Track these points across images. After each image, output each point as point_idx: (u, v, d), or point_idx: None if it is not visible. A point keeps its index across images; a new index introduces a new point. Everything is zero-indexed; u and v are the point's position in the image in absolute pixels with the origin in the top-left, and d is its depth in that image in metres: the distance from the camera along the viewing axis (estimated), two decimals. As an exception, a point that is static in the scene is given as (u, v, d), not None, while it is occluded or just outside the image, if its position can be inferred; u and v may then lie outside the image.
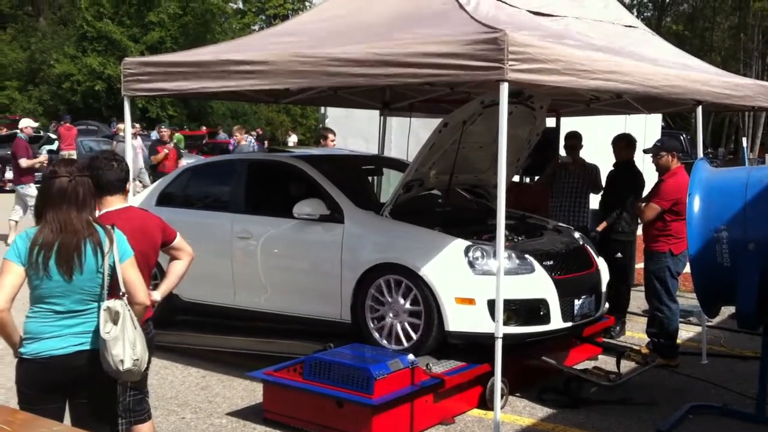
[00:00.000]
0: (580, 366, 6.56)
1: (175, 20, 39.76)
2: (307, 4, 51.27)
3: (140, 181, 14.34)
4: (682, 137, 21.58)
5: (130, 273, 3.54)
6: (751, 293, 4.99)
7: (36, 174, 13.36)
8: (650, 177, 7.45)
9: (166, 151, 13.59)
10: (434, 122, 6.09)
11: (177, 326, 7.09)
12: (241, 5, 52.93)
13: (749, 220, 5.05)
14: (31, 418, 2.96)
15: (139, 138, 16.27)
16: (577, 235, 6.80)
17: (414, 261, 5.73)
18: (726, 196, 5.22)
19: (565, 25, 6.15)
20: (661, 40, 7.58)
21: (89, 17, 38.30)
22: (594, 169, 8.31)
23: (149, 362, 4.17)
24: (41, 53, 40.41)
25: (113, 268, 3.47)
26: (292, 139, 32.34)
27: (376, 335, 5.96)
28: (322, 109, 13.87)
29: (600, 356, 6.99)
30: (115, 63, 34.51)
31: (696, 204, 5.21)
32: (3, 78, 41.08)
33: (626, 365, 6.46)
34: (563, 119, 9.23)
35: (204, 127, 35.42)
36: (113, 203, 4.04)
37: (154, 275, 4.60)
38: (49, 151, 22.53)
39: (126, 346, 3.40)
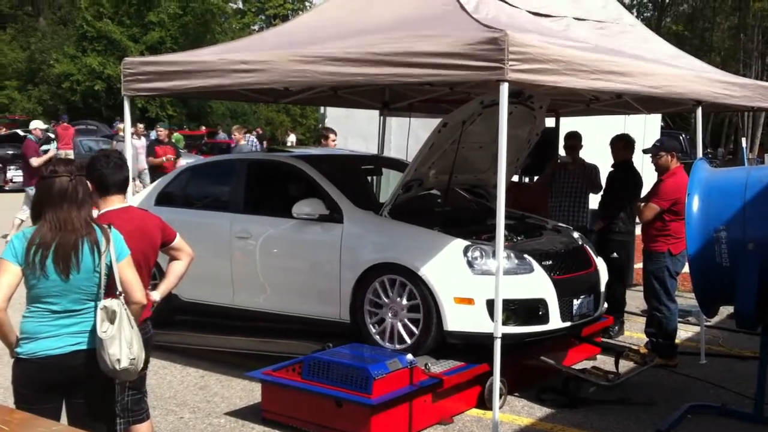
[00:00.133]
0: (578, 366, 6.57)
1: (175, 20, 39.74)
2: (307, 4, 51.28)
3: (141, 182, 14.30)
4: (681, 137, 21.56)
5: (126, 272, 3.54)
6: (750, 293, 4.99)
7: None
8: (650, 177, 7.46)
9: (164, 159, 13.30)
10: (434, 122, 6.09)
11: (176, 326, 7.09)
12: (240, 5, 52.92)
13: (748, 220, 5.05)
14: (28, 417, 2.96)
15: (143, 138, 16.15)
16: (576, 235, 6.80)
17: (413, 261, 5.73)
18: (725, 196, 5.22)
19: (565, 26, 6.16)
20: (660, 41, 7.58)
21: (89, 17, 38.28)
22: (593, 169, 8.32)
23: (147, 362, 4.17)
24: (41, 53, 40.38)
25: (110, 268, 3.47)
26: (291, 138, 32.34)
27: (375, 335, 5.96)
28: (322, 109, 13.88)
29: (599, 356, 6.99)
30: (114, 63, 34.49)
31: (695, 204, 5.21)
32: (3, 78, 41.05)
33: (625, 365, 6.47)
34: (563, 119, 9.23)
35: (203, 127, 35.41)
36: (113, 203, 4.04)
37: (153, 275, 4.60)
38: (45, 151, 22.56)
39: (123, 345, 3.40)
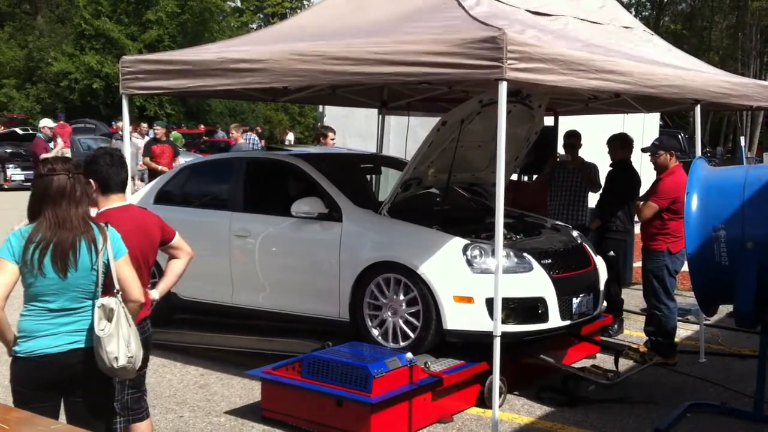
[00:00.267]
0: (578, 364, 6.57)
1: (173, 18, 39.73)
2: (305, 2, 51.27)
3: (141, 180, 14.25)
4: (680, 136, 21.58)
5: (124, 270, 3.53)
6: (749, 292, 4.99)
7: None
8: (648, 176, 7.46)
9: (159, 168, 13.03)
10: (432, 121, 6.09)
11: (175, 325, 7.08)
12: (239, 4, 52.92)
13: (747, 218, 5.05)
14: (28, 416, 2.95)
15: (146, 137, 16.06)
16: (575, 233, 6.81)
17: (412, 259, 5.73)
18: (724, 195, 5.22)
19: (564, 25, 6.16)
20: (659, 40, 7.58)
21: (87, 15, 38.27)
22: (593, 168, 8.32)
23: (147, 360, 4.18)
24: (39, 51, 40.35)
25: (107, 266, 3.46)
26: (289, 137, 32.31)
27: (375, 334, 5.96)
28: (321, 107, 13.88)
29: (598, 355, 7.01)
30: (113, 61, 34.46)
31: (694, 203, 5.22)
32: (1, 76, 41.02)
33: (624, 364, 6.47)
34: (562, 118, 9.23)
35: (202, 126, 35.40)
36: (114, 201, 4.04)
37: (152, 274, 4.59)
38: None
39: (120, 343, 3.39)
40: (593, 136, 8.90)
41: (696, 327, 7.85)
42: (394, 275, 5.84)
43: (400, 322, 5.83)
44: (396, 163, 7.85)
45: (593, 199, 8.32)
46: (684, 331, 8.03)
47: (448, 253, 5.71)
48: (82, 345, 3.44)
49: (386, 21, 5.80)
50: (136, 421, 4.20)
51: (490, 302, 5.22)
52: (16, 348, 3.41)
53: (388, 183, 8.20)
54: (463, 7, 5.46)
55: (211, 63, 5.98)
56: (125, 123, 6.87)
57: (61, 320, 3.41)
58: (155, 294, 4.11)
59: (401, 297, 5.81)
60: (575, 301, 6.00)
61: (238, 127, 15.16)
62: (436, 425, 5.46)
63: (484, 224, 6.32)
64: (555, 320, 5.82)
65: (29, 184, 12.40)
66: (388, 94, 8.73)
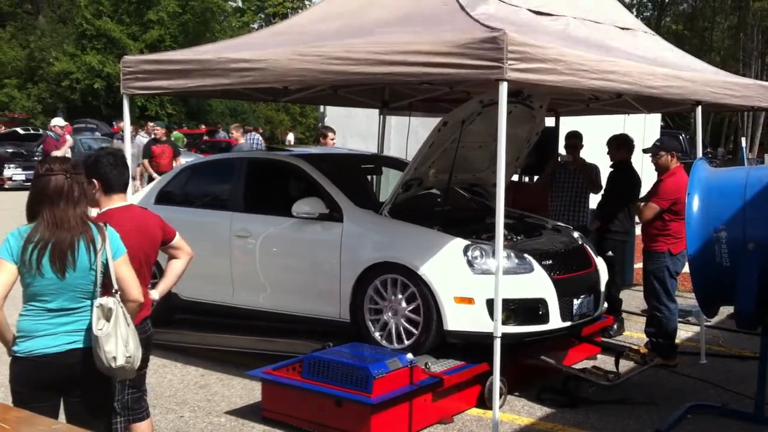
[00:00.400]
0: (578, 365, 6.57)
1: (174, 18, 39.74)
2: (306, 2, 51.29)
3: (151, 180, 14.20)
4: (681, 137, 21.56)
5: (123, 270, 3.52)
6: (750, 293, 4.99)
7: None
8: (650, 177, 7.45)
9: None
10: (433, 121, 6.08)
11: (176, 325, 7.08)
12: (240, 4, 52.93)
13: (748, 219, 5.04)
14: (28, 415, 2.95)
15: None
16: (576, 234, 6.80)
17: (413, 260, 5.73)
18: (725, 196, 5.22)
19: (565, 25, 6.15)
20: (660, 40, 7.58)
21: (88, 15, 38.28)
22: (594, 169, 8.31)
23: (147, 360, 4.18)
24: (40, 51, 40.37)
25: (106, 266, 3.46)
26: (289, 137, 32.32)
27: (375, 334, 5.96)
28: (322, 107, 13.87)
29: (599, 356, 7.00)
30: (114, 61, 34.48)
31: (695, 204, 5.21)
32: (2, 76, 41.03)
33: (625, 365, 6.46)
34: (563, 119, 9.23)
35: (203, 126, 35.40)
36: (116, 201, 4.04)
37: (153, 274, 4.59)
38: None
39: (119, 343, 3.38)
40: (594, 136, 8.89)
41: (697, 328, 7.85)
42: (394, 276, 5.84)
43: (401, 322, 5.83)
44: (397, 164, 7.84)
45: (594, 200, 8.32)
46: (685, 332, 8.02)
47: (449, 253, 5.71)
48: (80, 345, 3.43)
49: (387, 21, 5.80)
50: (136, 420, 4.20)
51: (490, 303, 5.21)
52: (15, 348, 3.40)
53: (388, 183, 8.19)
54: (464, 8, 5.46)
55: (212, 63, 5.98)
56: (126, 123, 6.87)
57: (59, 320, 3.41)
58: (155, 294, 4.11)
59: (402, 297, 5.80)
60: (576, 302, 5.99)
61: (238, 127, 14.99)
62: (437, 426, 5.46)
63: (485, 225, 6.32)
64: (556, 321, 5.81)
65: (30, 183, 12.51)
66: (389, 95, 8.73)
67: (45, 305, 3.39)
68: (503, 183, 4.90)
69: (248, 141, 16.58)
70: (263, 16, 55.20)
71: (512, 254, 5.76)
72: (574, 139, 8.33)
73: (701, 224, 5.16)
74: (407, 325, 5.80)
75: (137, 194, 7.70)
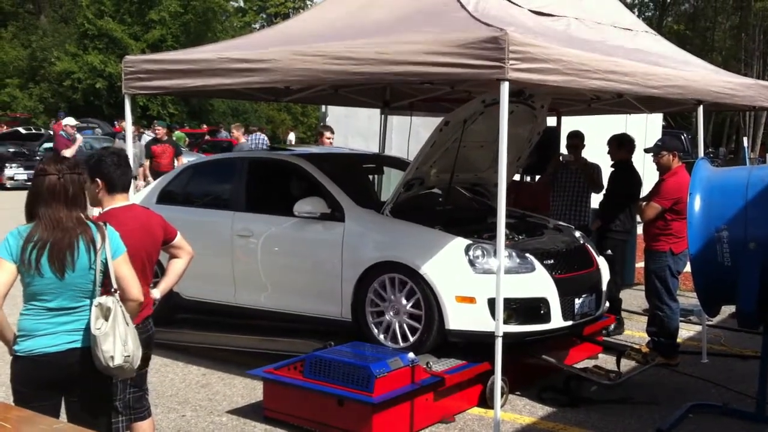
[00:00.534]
0: (580, 365, 6.56)
1: (176, 18, 39.76)
2: (308, 2, 51.29)
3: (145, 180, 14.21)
4: (683, 137, 21.57)
5: (123, 269, 3.52)
6: (751, 292, 4.99)
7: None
8: (651, 176, 7.45)
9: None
10: (435, 121, 6.09)
11: (177, 324, 7.09)
12: (242, 4, 52.96)
13: (750, 219, 5.04)
14: (29, 415, 2.95)
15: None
16: (577, 234, 6.80)
17: (414, 259, 5.73)
18: (727, 196, 5.22)
19: (567, 25, 6.16)
20: (662, 40, 7.58)
21: (90, 15, 38.30)
22: (595, 169, 8.31)
23: (148, 359, 4.19)
24: (42, 51, 40.39)
25: (106, 265, 3.46)
26: (290, 137, 32.32)
27: (377, 333, 5.96)
28: (323, 107, 13.87)
29: (600, 355, 7.00)
30: (116, 61, 34.52)
31: (697, 203, 5.21)
32: (4, 76, 41.06)
33: (626, 364, 6.47)
34: (565, 118, 9.23)
35: (205, 125, 35.40)
36: (118, 201, 4.05)
37: (155, 273, 4.60)
38: (47, 149, 22.62)
39: (117, 342, 3.38)
40: (596, 136, 8.90)
41: (698, 328, 7.84)
42: (396, 275, 5.84)
43: (403, 321, 5.84)
44: (398, 163, 7.85)
45: (596, 199, 8.32)
46: (686, 331, 8.02)
47: (451, 253, 5.71)
48: (79, 344, 3.43)
49: (388, 21, 5.81)
50: (138, 420, 4.21)
51: (492, 302, 5.21)
52: (16, 347, 3.41)
53: (390, 183, 8.20)
54: (465, 8, 5.46)
55: (213, 63, 5.99)
56: (128, 122, 6.87)
57: (59, 319, 3.41)
58: (156, 293, 4.12)
59: (403, 297, 5.81)
60: (577, 301, 5.99)
61: (239, 126, 14.93)
62: (438, 425, 5.46)
63: (487, 224, 6.32)
64: (557, 321, 5.81)
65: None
66: (390, 94, 8.74)
67: (45, 304, 3.39)
68: (505, 182, 4.90)
69: (253, 141, 16.55)
70: (265, 16, 55.24)
71: (514, 254, 5.76)
72: (576, 139, 8.33)
73: (703, 224, 5.16)
74: (409, 324, 5.80)
75: (139, 194, 7.71)
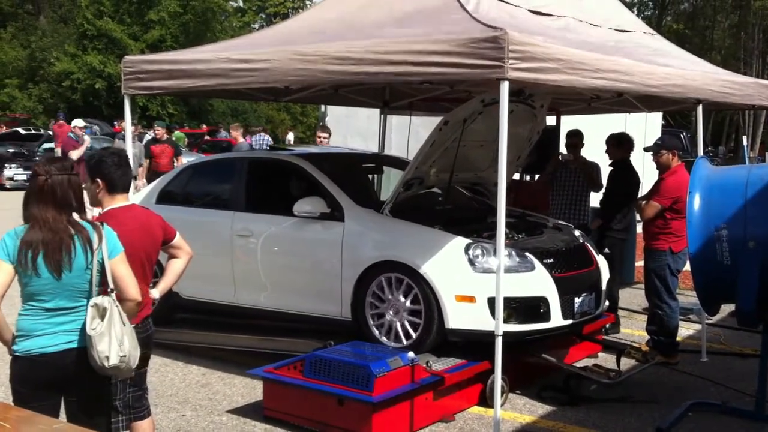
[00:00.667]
0: (580, 363, 6.57)
1: (175, 18, 39.72)
2: (307, 2, 51.29)
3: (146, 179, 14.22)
4: (682, 135, 21.55)
5: (120, 269, 3.51)
6: (751, 291, 4.99)
7: None
8: (651, 175, 7.45)
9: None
10: (434, 120, 6.09)
11: (177, 324, 7.09)
12: (241, 3, 52.91)
13: (749, 218, 5.05)
14: (29, 415, 2.95)
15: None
16: (577, 233, 6.81)
17: (414, 259, 5.74)
18: (726, 195, 5.22)
19: (566, 24, 6.16)
20: (661, 39, 7.58)
21: (89, 15, 38.25)
22: (594, 167, 8.32)
23: (148, 359, 4.19)
24: (41, 51, 40.34)
25: (102, 265, 3.45)
26: (289, 137, 32.32)
27: (377, 333, 5.96)
28: (323, 107, 13.87)
29: (600, 354, 7.01)
30: (115, 61, 34.47)
31: (696, 202, 5.22)
32: (3, 76, 41.00)
33: (626, 363, 6.47)
34: (565, 118, 9.23)
35: (204, 126, 35.39)
36: (118, 201, 4.05)
37: (154, 273, 4.61)
38: (47, 150, 22.63)
39: (112, 342, 3.37)
40: (596, 135, 8.90)
41: (698, 326, 7.85)
42: (396, 275, 5.85)
43: (402, 321, 5.84)
44: (398, 163, 7.85)
45: (595, 198, 8.33)
46: (686, 330, 8.03)
47: (450, 252, 5.71)
48: (75, 345, 3.42)
49: (388, 21, 5.81)
50: (137, 419, 4.21)
51: (492, 301, 5.22)
52: (15, 347, 3.41)
53: (390, 182, 8.20)
54: (465, 8, 5.46)
55: (213, 63, 5.99)
56: (127, 123, 6.88)
57: (57, 319, 3.41)
58: (156, 293, 4.13)
59: (403, 296, 5.81)
60: (577, 300, 6.00)
61: (237, 127, 14.83)
62: (438, 424, 5.46)
63: (486, 224, 6.32)
64: (557, 319, 5.82)
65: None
66: (390, 94, 8.74)
67: (43, 305, 3.39)
68: (505, 182, 4.90)
69: (257, 142, 16.51)
70: (264, 16, 55.20)
71: (513, 253, 5.77)
72: (575, 138, 8.34)
73: (702, 222, 5.16)
74: (408, 323, 5.81)
75: (138, 194, 7.71)
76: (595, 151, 8.66)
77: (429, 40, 5.04)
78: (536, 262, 5.81)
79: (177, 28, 39.74)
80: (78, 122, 14.47)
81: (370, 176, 8.30)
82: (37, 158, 22.82)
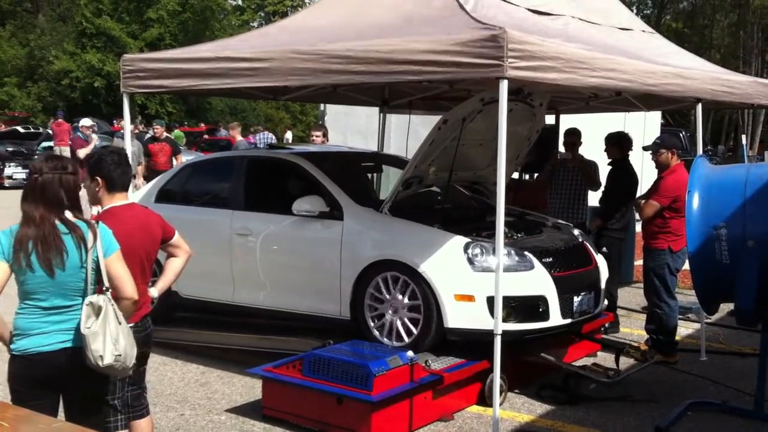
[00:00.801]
0: (578, 363, 6.58)
1: (174, 17, 39.73)
2: (305, 0, 51.25)
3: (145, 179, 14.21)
4: (681, 134, 21.55)
5: (116, 267, 3.50)
6: (750, 290, 4.99)
7: None
8: (650, 174, 7.45)
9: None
10: (433, 119, 6.09)
11: (176, 323, 7.09)
12: (240, 2, 52.91)
13: (748, 217, 5.05)
14: (27, 413, 2.94)
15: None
16: (576, 232, 6.81)
17: (413, 258, 5.74)
18: (725, 194, 5.22)
19: (564, 24, 6.16)
20: (660, 38, 7.58)
21: (88, 14, 38.25)
22: (592, 166, 8.32)
23: (147, 358, 4.19)
24: (40, 50, 40.33)
25: (97, 263, 3.44)
26: (288, 136, 32.32)
27: (376, 332, 5.96)
28: (322, 106, 13.86)
29: (599, 353, 7.01)
30: (114, 60, 34.46)
31: (695, 201, 5.21)
32: (2, 74, 40.98)
33: (625, 362, 6.48)
34: (564, 117, 9.23)
35: (203, 124, 35.39)
36: (118, 200, 4.05)
37: (153, 272, 4.60)
38: (46, 148, 22.61)
39: (107, 341, 3.36)
40: (595, 134, 8.90)
41: (697, 325, 7.85)
42: (395, 273, 5.84)
43: (402, 320, 5.84)
44: (397, 162, 7.85)
45: (593, 197, 8.33)
46: (685, 329, 8.03)
47: (449, 251, 5.71)
48: (70, 344, 3.41)
49: (387, 20, 5.80)
50: (136, 418, 4.21)
51: (491, 300, 5.22)
52: (12, 346, 3.41)
53: (389, 181, 8.20)
54: (464, 7, 5.46)
55: (211, 61, 5.99)
56: (126, 121, 6.88)
57: (53, 318, 3.40)
58: (154, 292, 4.12)
59: (402, 295, 5.81)
60: (576, 299, 6.00)
61: (235, 126, 14.77)
62: (437, 423, 5.46)
63: (485, 223, 6.32)
64: (556, 319, 5.82)
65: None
66: (389, 93, 8.74)
67: (39, 303, 3.39)
68: (504, 181, 4.90)
69: (261, 140, 16.49)
70: (263, 14, 55.19)
71: (512, 252, 5.77)
72: (573, 137, 8.34)
73: (701, 221, 5.16)
74: (408, 322, 5.81)
75: (137, 192, 7.71)
76: (593, 150, 8.67)
77: (428, 39, 5.04)
78: (535, 261, 5.82)
79: (176, 27, 39.75)
80: (86, 121, 14.39)
81: (369, 175, 8.29)
82: (35, 157, 22.84)
